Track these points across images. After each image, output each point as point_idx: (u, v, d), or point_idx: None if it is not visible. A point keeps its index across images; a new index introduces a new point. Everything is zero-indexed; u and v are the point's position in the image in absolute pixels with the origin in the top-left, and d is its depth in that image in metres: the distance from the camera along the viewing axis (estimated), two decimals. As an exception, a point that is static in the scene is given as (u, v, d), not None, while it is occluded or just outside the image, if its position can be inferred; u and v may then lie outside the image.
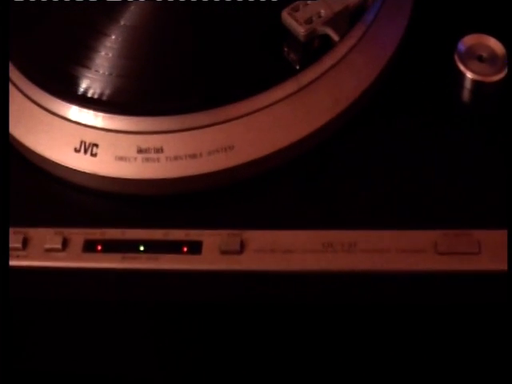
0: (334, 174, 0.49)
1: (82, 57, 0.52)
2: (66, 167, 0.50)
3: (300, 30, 0.49)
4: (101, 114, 0.50)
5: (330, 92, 0.50)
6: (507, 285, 0.42)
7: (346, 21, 0.50)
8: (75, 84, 0.51)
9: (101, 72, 0.51)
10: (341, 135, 0.50)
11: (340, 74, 0.51)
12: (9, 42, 0.53)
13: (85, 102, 0.50)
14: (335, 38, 0.48)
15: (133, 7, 0.54)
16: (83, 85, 0.51)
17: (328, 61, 0.50)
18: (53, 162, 0.50)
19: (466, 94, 0.52)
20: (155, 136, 0.49)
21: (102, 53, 0.52)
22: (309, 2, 0.50)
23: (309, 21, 0.49)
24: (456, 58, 0.52)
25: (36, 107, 0.52)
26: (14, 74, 0.53)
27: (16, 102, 0.53)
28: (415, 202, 0.47)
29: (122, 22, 0.53)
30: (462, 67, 0.52)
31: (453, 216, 0.46)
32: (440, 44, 0.53)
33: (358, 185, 0.48)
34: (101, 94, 0.50)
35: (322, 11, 0.49)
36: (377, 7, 0.53)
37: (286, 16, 0.49)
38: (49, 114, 0.51)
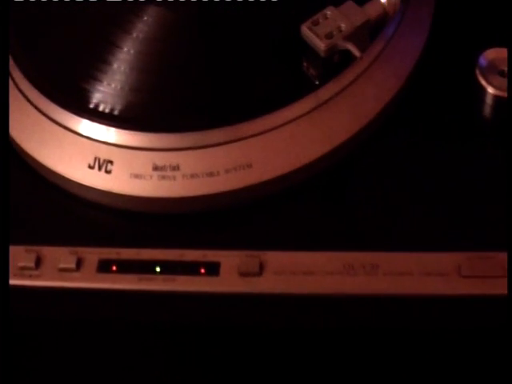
0: (354, 193, 0.48)
1: (94, 70, 0.51)
2: (80, 184, 0.49)
3: (320, 45, 0.48)
4: (116, 130, 0.49)
5: (350, 108, 0.49)
6: (508, 308, 0.41)
7: (366, 35, 0.49)
8: (89, 98, 0.50)
9: (113, 86, 0.50)
10: (361, 152, 0.49)
11: (360, 90, 0.49)
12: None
13: (99, 117, 0.49)
14: (357, 53, 0.47)
15: (145, 18, 0.53)
16: (98, 99, 0.50)
17: (348, 76, 0.49)
18: (66, 179, 0.49)
19: (487, 110, 0.51)
20: (171, 153, 0.48)
21: (115, 65, 0.51)
22: (328, 14, 0.49)
23: (329, 35, 0.48)
24: (477, 72, 0.51)
25: (49, 121, 0.51)
26: (26, 87, 0.52)
27: (28, 115, 0.52)
28: (438, 222, 0.46)
29: (135, 34, 0.52)
30: (483, 82, 0.51)
31: (477, 238, 0.45)
32: (461, 58, 0.52)
33: (379, 204, 0.47)
34: (115, 109, 0.49)
35: (343, 25, 0.48)
36: (396, 21, 0.52)
37: (305, 30, 0.48)
38: (62, 129, 0.50)
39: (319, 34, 0.48)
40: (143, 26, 0.53)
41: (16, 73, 0.53)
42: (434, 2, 0.54)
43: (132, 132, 0.48)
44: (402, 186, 0.48)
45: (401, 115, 0.51)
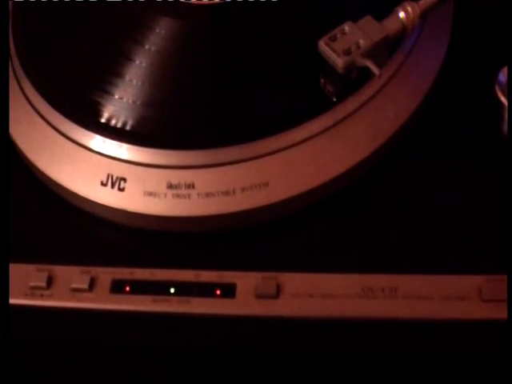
0: (373, 213, 0.47)
1: (106, 83, 0.50)
2: (93, 201, 0.48)
3: (338, 62, 0.46)
4: (129, 147, 0.48)
5: (369, 126, 0.48)
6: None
7: (385, 51, 0.48)
8: (101, 113, 0.49)
9: (125, 100, 0.49)
10: (379, 171, 0.48)
11: (378, 107, 0.49)
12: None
13: (111, 132, 0.48)
14: (376, 71, 0.46)
15: (158, 30, 0.52)
16: (110, 114, 0.49)
17: (366, 92, 0.48)
18: (78, 196, 0.49)
19: (506, 126, 0.50)
20: (186, 171, 0.47)
21: (127, 79, 0.50)
22: (346, 30, 0.48)
23: (347, 51, 0.47)
24: (496, 88, 0.50)
25: (60, 136, 0.50)
26: (37, 101, 0.51)
27: (39, 130, 0.51)
28: (458, 244, 0.45)
29: (147, 46, 0.51)
30: (502, 98, 0.50)
31: (498, 260, 0.44)
32: (480, 74, 0.51)
33: (398, 225, 0.46)
34: (128, 125, 0.48)
35: (361, 41, 0.47)
36: (414, 36, 0.51)
37: (323, 46, 0.47)
38: (74, 145, 0.49)
39: (337, 50, 0.47)
40: (155, 39, 0.52)
41: (27, 86, 0.52)
42: (452, 17, 0.53)
43: (145, 149, 0.48)
44: (420, 205, 0.47)
45: (419, 132, 0.50)
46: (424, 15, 0.49)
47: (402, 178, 0.48)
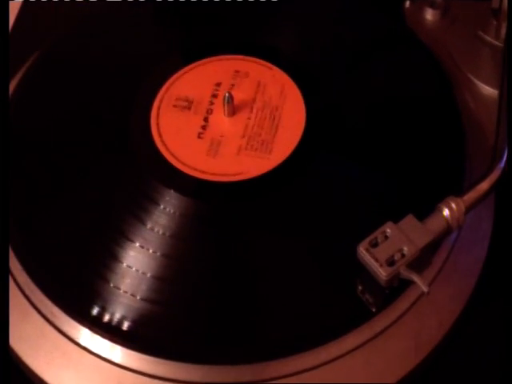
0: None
1: (117, 281, 0.45)
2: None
3: (381, 274, 0.42)
4: (141, 356, 0.43)
5: (410, 337, 0.44)
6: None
7: (429, 255, 0.44)
8: (109, 314, 0.44)
9: (139, 298, 0.44)
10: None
11: (420, 315, 0.45)
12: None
13: (124, 339, 0.43)
14: (424, 288, 0.42)
15: (162, 206, 0.47)
16: (122, 317, 0.44)
17: (406, 299, 0.44)
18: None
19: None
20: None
21: (138, 271, 0.45)
22: (388, 233, 0.43)
23: (391, 261, 0.42)
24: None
25: (62, 338, 0.45)
26: (34, 294, 0.46)
27: (35, 325, 0.45)
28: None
29: (149, 225, 0.46)
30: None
31: None
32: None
33: None
34: (143, 333, 0.43)
35: (405, 248, 0.43)
36: (455, 234, 0.47)
37: (363, 252, 0.43)
38: (78, 348, 0.44)
39: (379, 258, 0.42)
40: (158, 215, 0.47)
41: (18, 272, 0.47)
42: (493, 205, 0.49)
43: (161, 360, 0.42)
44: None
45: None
46: (469, 211, 0.45)
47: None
